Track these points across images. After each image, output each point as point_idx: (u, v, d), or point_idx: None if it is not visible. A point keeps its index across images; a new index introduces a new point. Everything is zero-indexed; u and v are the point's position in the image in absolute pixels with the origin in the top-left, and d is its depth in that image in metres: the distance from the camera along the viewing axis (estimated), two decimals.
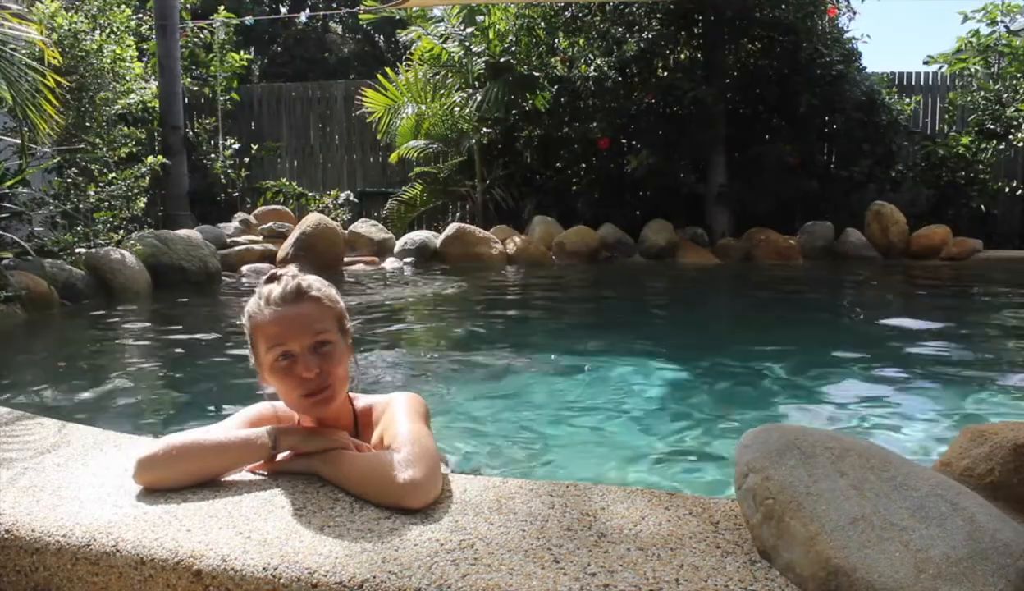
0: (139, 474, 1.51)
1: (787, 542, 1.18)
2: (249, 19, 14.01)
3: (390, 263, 8.56)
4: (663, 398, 3.47)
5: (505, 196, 10.21)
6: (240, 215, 9.39)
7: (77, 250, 6.25)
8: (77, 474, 1.62)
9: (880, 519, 1.16)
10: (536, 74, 10.03)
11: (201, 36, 11.59)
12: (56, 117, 5.60)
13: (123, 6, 8.70)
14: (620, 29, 9.95)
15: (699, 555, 1.23)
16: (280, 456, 1.59)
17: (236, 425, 1.66)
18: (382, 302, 6.52)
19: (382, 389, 3.02)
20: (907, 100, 10.38)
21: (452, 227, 8.96)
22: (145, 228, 7.78)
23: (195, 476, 1.52)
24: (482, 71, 10.08)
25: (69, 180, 6.72)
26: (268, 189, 10.82)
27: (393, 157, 10.75)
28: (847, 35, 10.06)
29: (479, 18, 9.87)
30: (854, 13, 10.38)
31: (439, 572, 1.17)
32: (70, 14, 7.51)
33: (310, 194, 10.81)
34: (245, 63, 11.94)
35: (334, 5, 18.54)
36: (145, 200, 7.81)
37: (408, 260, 8.61)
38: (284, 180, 11.09)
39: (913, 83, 10.97)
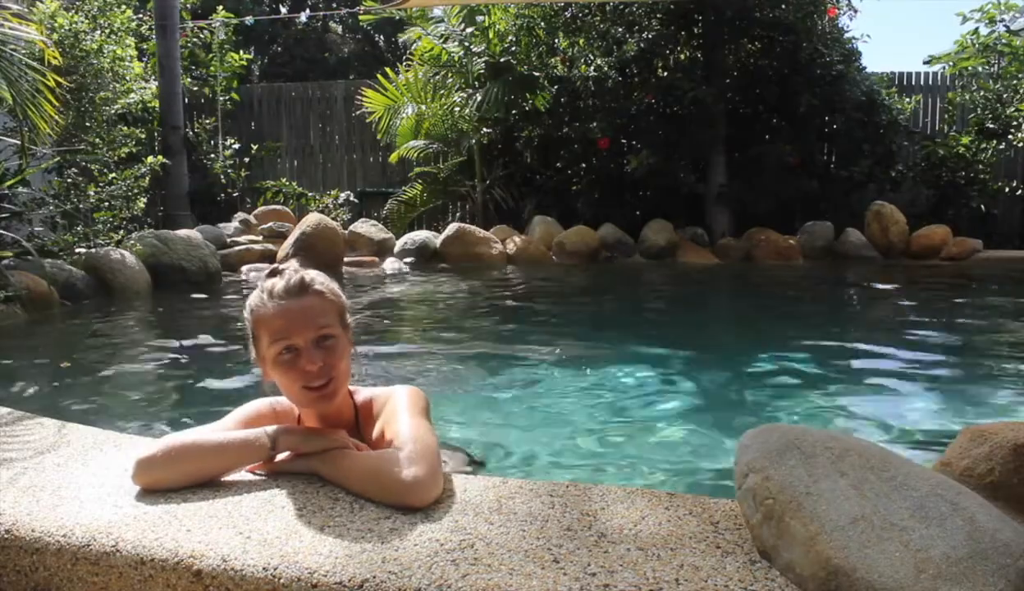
0: (138, 475, 1.51)
1: (787, 542, 1.18)
2: (249, 19, 14.01)
3: (390, 263, 8.55)
4: (663, 398, 3.47)
5: (505, 196, 10.21)
6: (240, 215, 9.39)
7: (77, 250, 6.25)
8: (77, 474, 1.62)
9: (880, 519, 1.16)
10: (536, 74, 10.03)
11: (201, 36, 11.59)
12: (56, 117, 5.60)
13: (123, 6, 8.70)
14: (620, 29, 9.94)
15: (699, 555, 1.23)
16: (280, 456, 1.59)
17: (234, 423, 1.66)
18: (382, 302, 6.52)
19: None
20: (907, 100, 10.38)
21: (452, 227, 8.96)
22: (145, 228, 7.78)
23: (194, 477, 1.52)
24: (482, 71, 10.07)
25: (69, 180, 6.72)
26: (268, 189, 10.81)
27: (393, 157, 10.75)
28: (847, 35, 10.06)
29: (479, 18, 9.86)
30: (855, 12, 10.39)
31: (439, 572, 1.17)
32: (70, 14, 7.50)
33: (310, 194, 10.81)
34: (245, 63, 11.94)
35: (334, 5, 18.54)
36: (145, 200, 7.80)
37: (408, 260, 8.60)
38: (284, 180, 11.08)
39: (913, 83, 10.97)
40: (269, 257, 8.09)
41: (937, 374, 3.92)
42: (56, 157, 7.01)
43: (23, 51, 5.40)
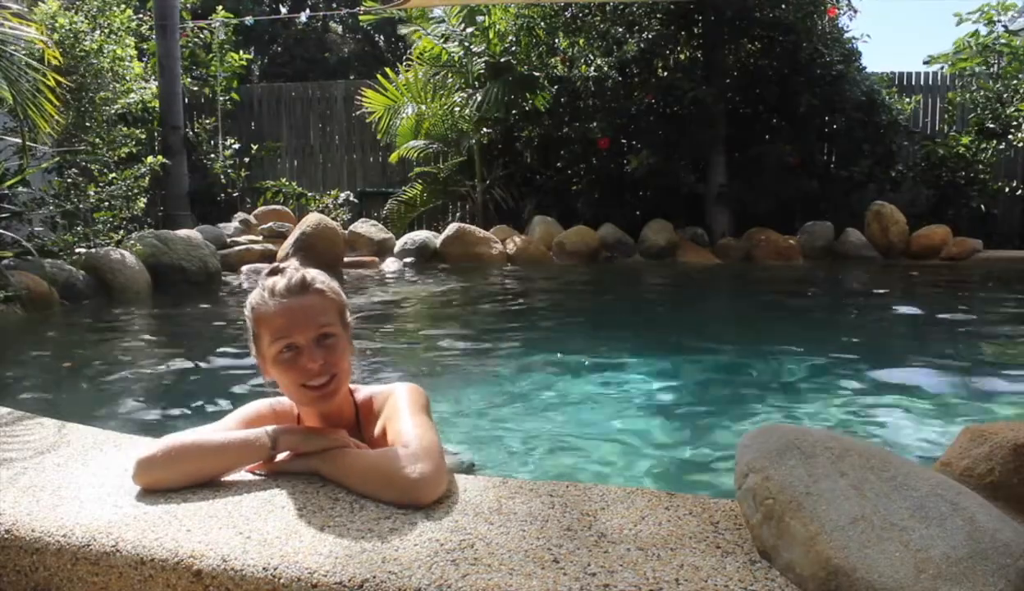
0: (138, 475, 1.51)
1: (787, 542, 1.18)
2: (249, 19, 14.01)
3: (390, 263, 8.55)
4: (663, 398, 3.47)
5: (505, 196, 10.21)
6: (240, 215, 9.39)
7: (77, 250, 6.25)
8: (77, 474, 1.62)
9: (880, 519, 1.16)
10: (536, 74, 10.03)
11: (201, 36, 11.59)
12: (57, 117, 5.60)
13: (123, 6, 8.69)
14: (620, 29, 9.94)
15: (699, 555, 1.23)
16: (280, 456, 1.59)
17: (234, 423, 1.65)
18: (382, 302, 6.52)
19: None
20: (907, 100, 10.37)
21: (452, 227, 8.96)
22: (145, 228, 7.77)
23: (194, 477, 1.52)
24: (482, 71, 10.08)
25: (69, 180, 6.71)
26: (268, 189, 10.81)
27: (393, 157, 10.75)
28: (847, 35, 10.06)
29: (479, 18, 9.86)
30: (855, 12, 10.39)
31: (439, 572, 1.17)
32: (70, 14, 7.50)
33: (310, 194, 10.80)
34: (245, 63, 11.94)
35: (334, 5, 18.54)
36: (145, 200, 7.80)
37: (408, 260, 8.61)
38: (284, 180, 11.08)
39: (913, 83, 10.96)
40: (269, 257, 8.09)
41: (937, 374, 3.92)
42: (56, 157, 7.01)
43: (23, 51, 5.40)
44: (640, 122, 9.54)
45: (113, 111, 8.33)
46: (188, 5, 11.55)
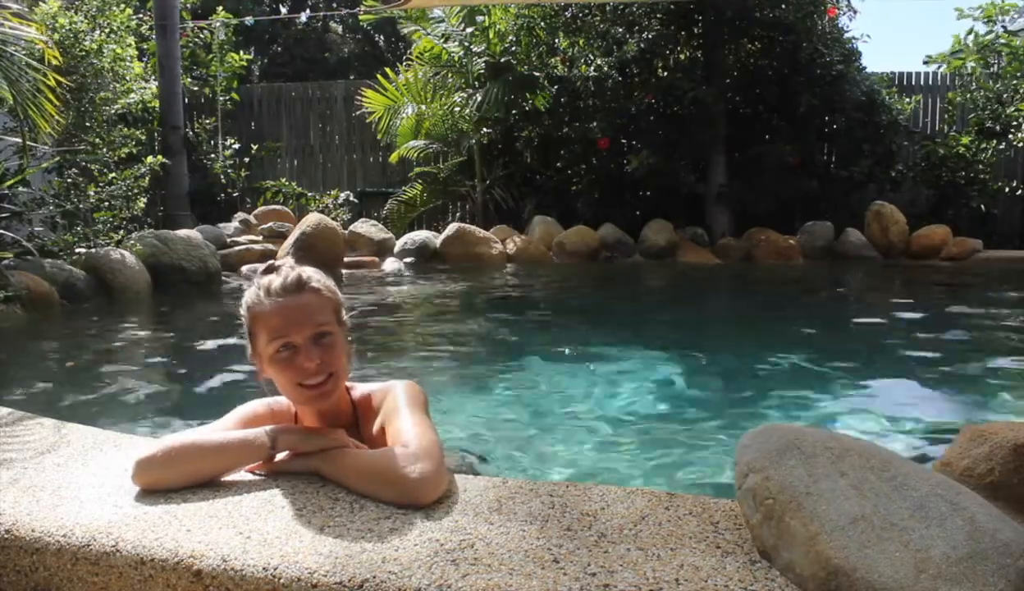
0: (138, 475, 1.50)
1: (787, 542, 1.18)
2: (249, 19, 13.99)
3: (390, 263, 8.55)
4: (663, 398, 3.47)
5: (505, 196, 10.21)
6: (240, 215, 9.39)
7: (77, 250, 6.25)
8: (77, 474, 1.62)
9: (880, 519, 1.16)
10: (536, 74, 10.02)
11: (201, 36, 11.58)
12: (57, 117, 5.60)
13: (123, 6, 8.69)
14: (620, 29, 9.94)
15: (699, 555, 1.23)
16: (279, 456, 1.59)
17: (232, 423, 1.65)
18: (382, 302, 6.52)
19: None
20: (907, 100, 10.37)
21: (452, 227, 8.96)
22: (145, 228, 7.77)
23: (194, 477, 1.52)
24: (482, 71, 10.07)
25: (69, 180, 6.71)
26: (268, 189, 10.81)
27: (393, 157, 10.75)
28: (847, 35, 10.06)
29: (479, 18, 9.86)
30: (855, 12, 10.39)
31: (439, 572, 1.17)
32: (70, 14, 7.50)
33: (310, 194, 10.80)
34: (245, 63, 11.93)
35: (334, 5, 18.54)
36: (145, 200, 7.79)
37: (408, 260, 8.60)
38: (284, 180, 11.08)
39: (913, 83, 10.96)
40: (269, 257, 8.05)
41: (937, 374, 3.92)
42: (56, 157, 7.01)
43: (24, 51, 5.40)
44: (640, 122, 9.54)
45: (113, 111, 8.32)
46: (188, 5, 11.55)
